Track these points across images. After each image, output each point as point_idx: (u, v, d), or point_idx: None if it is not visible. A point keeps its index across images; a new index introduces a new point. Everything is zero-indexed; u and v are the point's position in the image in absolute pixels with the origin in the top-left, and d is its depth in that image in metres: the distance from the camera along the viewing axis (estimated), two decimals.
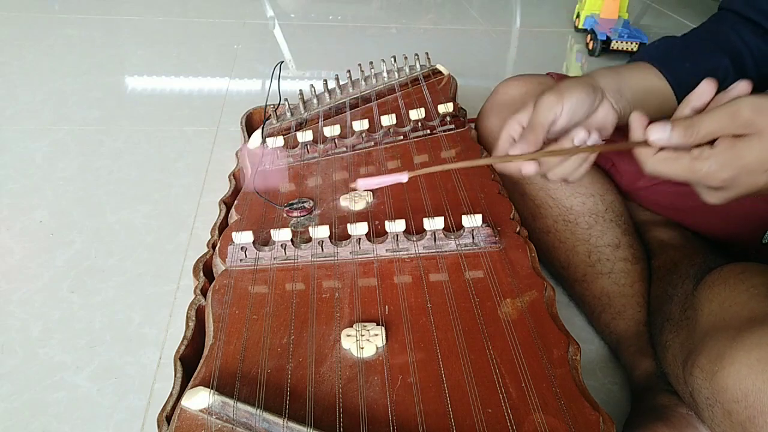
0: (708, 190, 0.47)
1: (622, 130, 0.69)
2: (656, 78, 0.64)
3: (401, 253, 0.59)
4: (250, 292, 0.55)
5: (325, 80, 0.92)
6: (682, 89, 0.63)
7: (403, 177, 0.50)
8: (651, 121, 0.47)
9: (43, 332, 0.69)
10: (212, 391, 0.44)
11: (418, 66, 0.96)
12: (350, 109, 0.88)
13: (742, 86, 0.46)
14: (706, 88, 0.47)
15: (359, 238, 0.59)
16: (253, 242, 0.58)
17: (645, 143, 0.47)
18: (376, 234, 0.61)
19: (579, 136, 0.53)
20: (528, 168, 0.54)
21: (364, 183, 0.51)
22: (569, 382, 0.46)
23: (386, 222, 0.58)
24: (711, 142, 0.45)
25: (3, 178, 0.95)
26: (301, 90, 0.90)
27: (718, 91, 0.48)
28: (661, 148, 0.46)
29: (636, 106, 0.61)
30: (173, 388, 0.47)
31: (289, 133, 0.84)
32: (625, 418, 0.61)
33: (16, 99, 1.19)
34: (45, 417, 0.60)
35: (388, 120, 0.79)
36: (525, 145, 0.53)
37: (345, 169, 0.74)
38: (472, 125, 0.84)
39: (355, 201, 0.67)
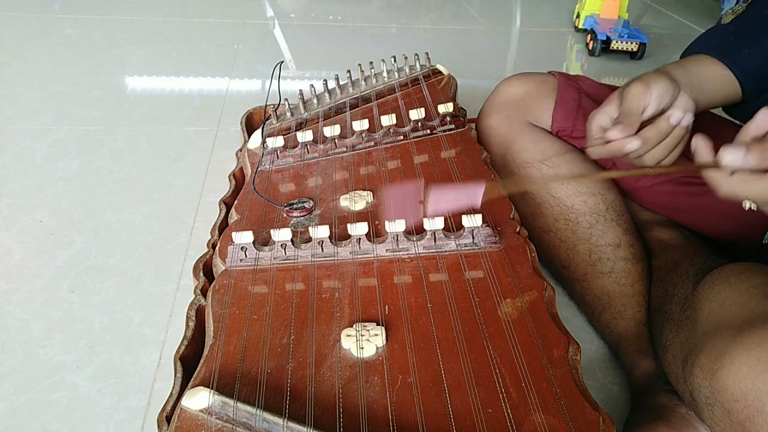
0: None
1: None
2: (719, 68, 0.66)
3: (401, 253, 0.59)
4: (250, 292, 0.55)
5: (325, 80, 0.92)
6: (746, 76, 0.66)
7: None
8: (715, 145, 0.48)
9: (43, 332, 0.69)
10: (212, 391, 0.44)
11: (418, 66, 0.96)
12: (350, 109, 0.88)
13: None
14: (764, 118, 0.47)
15: (359, 238, 0.59)
16: (253, 242, 0.58)
17: (715, 165, 0.47)
18: (376, 234, 0.61)
19: (676, 115, 0.57)
20: (631, 144, 0.57)
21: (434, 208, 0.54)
22: (569, 382, 0.46)
23: (386, 222, 0.58)
24: None
25: (3, 178, 0.95)
26: (301, 90, 0.90)
27: None
28: (733, 171, 0.47)
29: (705, 96, 0.64)
30: (173, 388, 0.47)
31: (289, 133, 0.84)
32: (625, 418, 0.61)
33: (16, 99, 1.19)
34: (45, 417, 0.60)
35: (388, 120, 0.79)
36: (625, 129, 0.57)
37: (345, 169, 0.74)
38: (472, 125, 0.84)
39: (355, 201, 0.67)
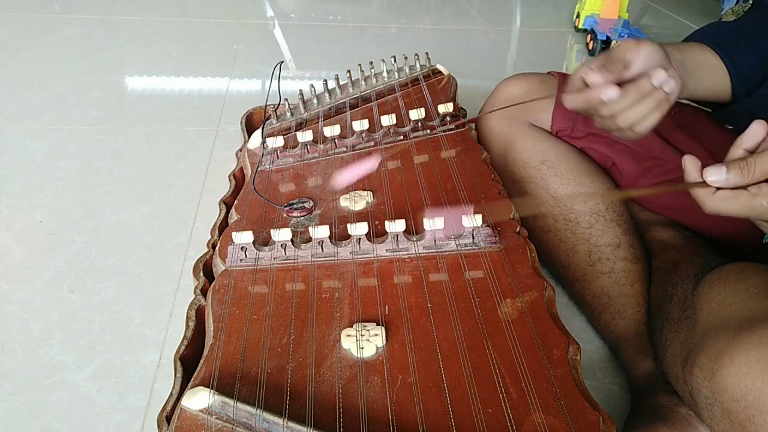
0: None
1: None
2: (712, 56, 0.66)
3: (401, 253, 0.59)
4: (250, 292, 0.55)
5: (325, 80, 0.92)
6: (737, 70, 0.65)
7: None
8: (704, 162, 0.49)
9: (43, 332, 0.69)
10: (212, 391, 0.44)
11: (418, 66, 0.96)
12: (350, 109, 0.88)
13: None
14: (756, 129, 0.48)
15: (359, 238, 0.59)
16: (253, 242, 0.58)
17: (703, 183, 0.48)
18: (376, 234, 0.61)
19: (658, 75, 0.56)
20: (609, 92, 0.56)
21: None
22: (569, 382, 0.46)
23: (386, 222, 0.58)
24: (766, 180, 0.46)
25: (3, 178, 0.95)
26: (301, 90, 0.90)
27: None
28: (718, 188, 0.48)
29: (695, 80, 0.64)
30: (173, 388, 0.48)
31: (289, 133, 0.84)
32: (625, 418, 0.61)
33: (16, 99, 1.19)
34: (45, 417, 0.60)
35: (388, 120, 0.79)
36: (606, 75, 0.57)
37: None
38: (473, 125, 0.84)
39: (355, 201, 0.67)
